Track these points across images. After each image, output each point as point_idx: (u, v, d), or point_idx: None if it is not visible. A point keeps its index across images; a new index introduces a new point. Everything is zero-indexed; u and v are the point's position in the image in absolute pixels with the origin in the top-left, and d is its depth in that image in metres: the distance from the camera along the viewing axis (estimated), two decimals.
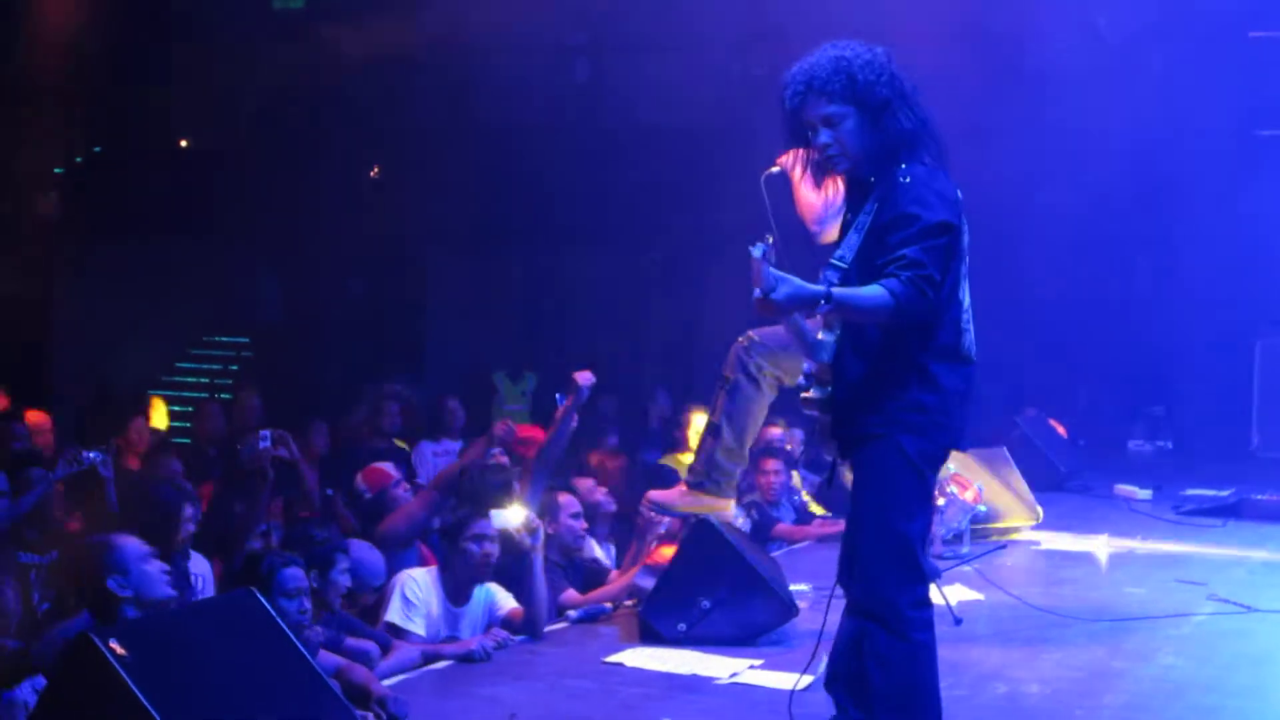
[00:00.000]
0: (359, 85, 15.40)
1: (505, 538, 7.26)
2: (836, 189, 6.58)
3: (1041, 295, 14.38)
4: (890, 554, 4.94)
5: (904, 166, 4.93)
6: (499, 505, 7.32)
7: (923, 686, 4.96)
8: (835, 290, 4.75)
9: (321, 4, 16.18)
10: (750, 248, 4.63)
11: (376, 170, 17.19)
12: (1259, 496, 11.38)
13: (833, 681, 5.17)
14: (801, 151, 6.47)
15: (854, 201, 5.10)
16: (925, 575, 5.04)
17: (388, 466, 9.00)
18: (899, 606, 4.93)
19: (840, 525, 9.83)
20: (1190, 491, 11.78)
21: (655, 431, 13.82)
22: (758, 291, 4.67)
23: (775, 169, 6.54)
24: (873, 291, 4.76)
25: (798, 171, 6.74)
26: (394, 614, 7.13)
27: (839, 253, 4.96)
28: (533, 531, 7.21)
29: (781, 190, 6.53)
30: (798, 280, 4.71)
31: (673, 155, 16.20)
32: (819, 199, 6.73)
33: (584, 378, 8.69)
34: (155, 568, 5.75)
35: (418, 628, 7.12)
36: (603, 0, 16.90)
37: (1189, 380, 15.76)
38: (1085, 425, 15.08)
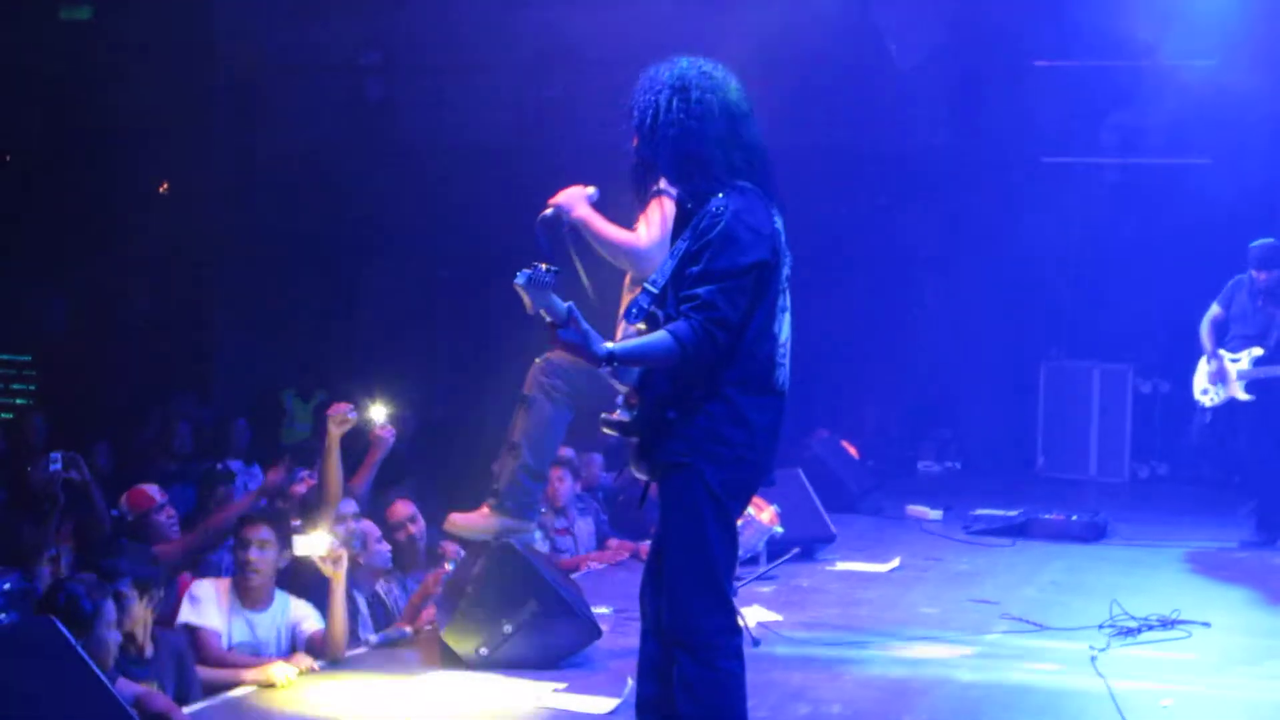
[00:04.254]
0: (148, 97, 15.04)
1: (309, 564, 7.14)
2: (663, 218, 6.47)
3: (831, 317, 14.52)
4: (696, 582, 4.91)
5: (721, 195, 4.88)
6: (300, 532, 7.21)
7: (730, 714, 4.94)
8: (618, 349, 4.77)
9: (110, 14, 15.80)
10: (516, 276, 4.59)
11: (165, 186, 16.81)
12: (1046, 516, 11.61)
13: (643, 707, 5.13)
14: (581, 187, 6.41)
15: (678, 225, 5.08)
16: (731, 603, 5.03)
17: (152, 490, 8.69)
18: (706, 634, 4.90)
19: (638, 546, 9.99)
20: (979, 511, 11.95)
21: None
22: (551, 320, 4.66)
23: (549, 211, 6.46)
24: (658, 340, 4.76)
25: (584, 210, 6.59)
26: (186, 614, 7.03)
27: (653, 277, 4.93)
28: (336, 559, 7.08)
29: (557, 231, 6.43)
30: (588, 329, 4.73)
31: (466, 173, 16.12)
32: (630, 233, 6.59)
33: (377, 423, 8.62)
34: None
35: (214, 621, 7.01)
36: (396, 21, 16.80)
37: (976, 402, 16.07)
38: (875, 447, 15.26)
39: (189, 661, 6.64)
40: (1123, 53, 14.70)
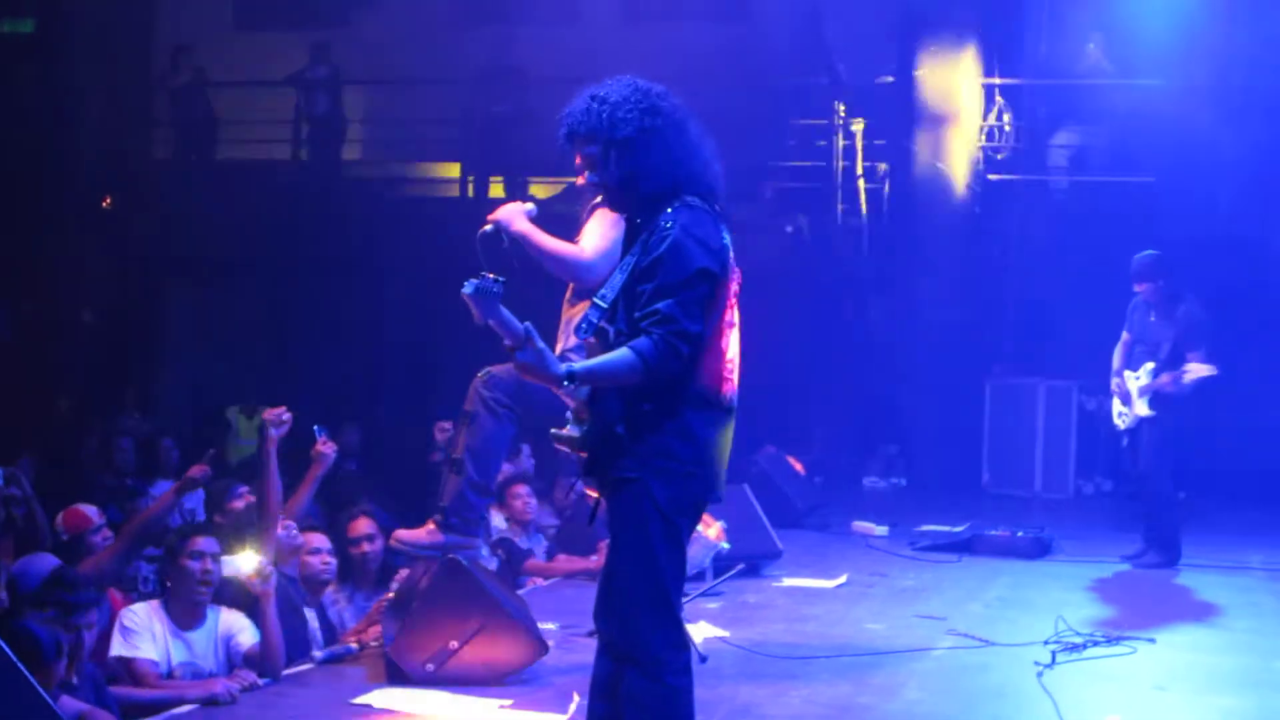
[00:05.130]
0: (92, 110, 14.97)
1: (238, 583, 7.09)
2: (606, 230, 6.50)
3: (777, 334, 14.57)
4: (645, 598, 4.90)
5: (670, 210, 4.88)
6: (230, 550, 7.16)
7: None
8: (578, 368, 4.76)
9: (53, 28, 15.72)
10: (464, 285, 4.57)
11: (109, 200, 16.72)
12: (992, 532, 11.65)
13: None
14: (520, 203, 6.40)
15: (628, 241, 5.06)
16: (680, 619, 5.01)
17: (90, 510, 8.58)
18: (654, 650, 4.88)
19: (586, 562, 9.97)
20: (925, 528, 11.98)
21: None
22: (508, 341, 4.64)
23: (489, 227, 6.45)
24: (620, 357, 4.75)
25: (523, 224, 6.59)
26: (118, 647, 6.92)
27: (602, 291, 4.92)
28: (265, 577, 7.03)
29: (496, 247, 6.42)
30: (546, 349, 4.72)
31: (409, 192, 16.12)
32: (572, 245, 6.60)
33: (320, 444, 8.60)
34: None
35: (148, 652, 6.92)
36: (344, 36, 16.80)
37: (922, 419, 16.13)
38: (820, 463, 15.30)
39: (106, 693, 6.55)
40: (1070, 71, 14.82)
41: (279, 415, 8.18)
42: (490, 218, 6.48)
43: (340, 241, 16.24)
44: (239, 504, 8.65)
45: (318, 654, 7.53)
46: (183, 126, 17.31)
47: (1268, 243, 14.33)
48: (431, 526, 7.30)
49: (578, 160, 5.11)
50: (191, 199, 16.14)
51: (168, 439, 12.03)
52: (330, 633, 8.03)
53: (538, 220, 6.52)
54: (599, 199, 5.30)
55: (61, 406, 15.13)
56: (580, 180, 6.73)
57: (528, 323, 4.70)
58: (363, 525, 8.57)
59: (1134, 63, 14.39)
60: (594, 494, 5.08)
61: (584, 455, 4.99)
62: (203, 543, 7.11)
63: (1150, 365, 10.86)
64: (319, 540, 8.16)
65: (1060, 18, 14.39)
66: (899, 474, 16.18)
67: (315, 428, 8.68)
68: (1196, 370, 10.68)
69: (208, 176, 16.67)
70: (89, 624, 6.39)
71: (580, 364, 4.78)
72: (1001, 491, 15.47)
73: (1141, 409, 10.87)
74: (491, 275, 4.61)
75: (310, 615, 7.87)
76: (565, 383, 4.72)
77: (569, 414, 4.94)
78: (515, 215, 6.53)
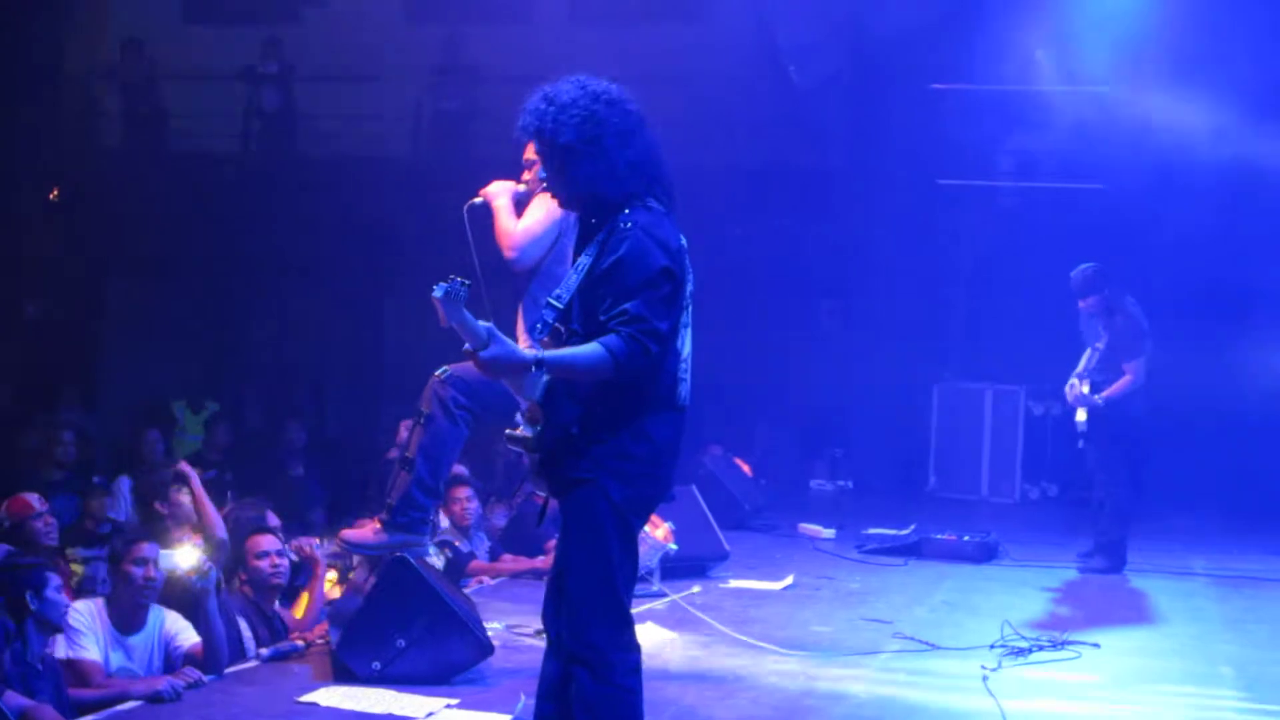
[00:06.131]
0: (39, 101, 14.84)
1: (177, 579, 7.04)
2: (542, 218, 6.69)
3: (724, 334, 14.59)
4: (596, 599, 4.88)
5: (627, 211, 4.87)
6: (169, 546, 7.13)
7: None
8: (548, 355, 4.73)
9: (2, 20, 15.59)
10: (434, 288, 4.55)
11: (56, 192, 16.58)
12: (938, 536, 11.68)
13: None
14: (513, 182, 6.51)
15: (582, 241, 5.04)
16: (631, 620, 4.99)
17: (33, 498, 8.66)
18: (604, 651, 4.87)
19: (532, 562, 9.94)
20: (872, 531, 11.99)
21: None
22: (469, 345, 4.61)
23: (478, 200, 6.64)
24: (590, 352, 4.73)
25: (501, 201, 6.81)
26: (61, 649, 6.86)
27: (557, 292, 4.90)
28: (204, 574, 6.98)
29: (484, 221, 6.56)
30: (509, 342, 4.69)
31: (362, 183, 16.04)
32: (517, 227, 6.75)
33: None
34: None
35: (92, 653, 6.88)
36: (294, 31, 16.71)
37: (869, 422, 16.16)
38: (767, 464, 15.31)
39: (65, 689, 6.52)
40: (1019, 77, 14.86)
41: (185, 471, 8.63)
42: (481, 191, 6.63)
43: (287, 236, 16.15)
44: (184, 497, 8.61)
45: (264, 651, 7.48)
46: (132, 119, 17.18)
47: (1217, 248, 14.42)
48: (377, 526, 7.26)
49: (524, 156, 5.13)
50: (140, 192, 16.00)
51: (153, 430, 11.94)
52: (281, 631, 7.99)
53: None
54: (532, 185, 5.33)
55: (3, 398, 14.99)
56: (523, 182, 6.83)
57: (489, 323, 4.67)
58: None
59: (1082, 70, 14.44)
60: (542, 495, 5.06)
61: (536, 456, 4.95)
62: (146, 549, 7.10)
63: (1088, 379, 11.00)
64: (268, 543, 8.10)
65: (1009, 25, 14.42)
66: (845, 476, 16.18)
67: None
68: (1116, 387, 10.85)
69: (156, 170, 16.53)
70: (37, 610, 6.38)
71: (550, 352, 4.76)
72: (948, 495, 15.53)
73: (1081, 416, 11.00)
74: (460, 280, 4.58)
75: (241, 623, 7.78)
76: (534, 368, 4.68)
77: (521, 414, 4.90)
78: (500, 192, 6.81)
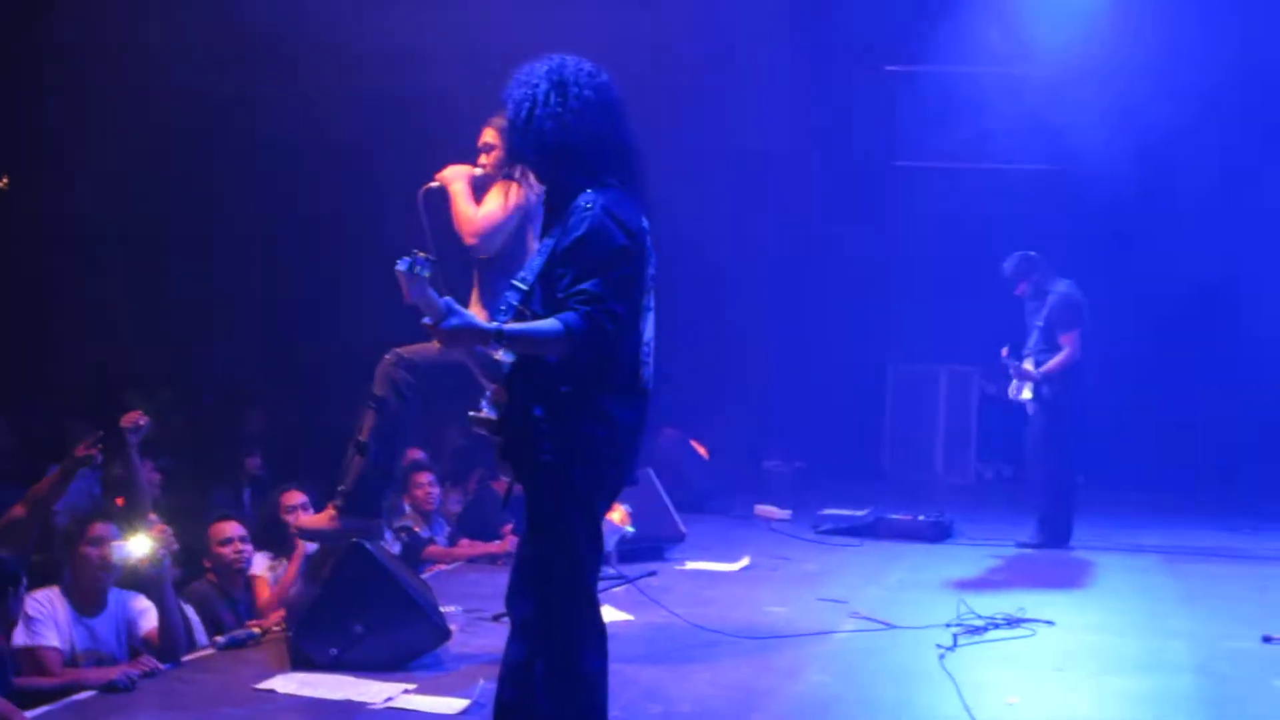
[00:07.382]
0: None
1: (131, 568, 7.01)
2: (505, 203, 6.71)
3: (678, 316, 14.58)
4: (561, 582, 4.88)
5: (589, 192, 4.85)
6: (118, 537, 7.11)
7: (592, 714, 4.90)
8: (508, 327, 4.71)
9: None
10: (397, 262, 4.55)
11: (5, 180, 16.42)
12: (893, 516, 11.74)
13: (500, 709, 5.05)
14: (469, 166, 6.50)
15: (546, 223, 5.03)
16: (597, 603, 4.99)
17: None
18: (569, 635, 4.87)
19: (489, 547, 9.93)
20: (827, 511, 12.04)
21: None
22: (428, 319, 4.60)
23: (434, 184, 6.64)
24: (548, 326, 4.71)
25: (458, 185, 6.80)
26: (21, 636, 6.83)
27: (521, 274, 4.89)
28: (157, 562, 6.95)
29: (440, 205, 6.56)
30: (469, 314, 4.68)
31: (314, 167, 15.95)
32: (477, 213, 6.76)
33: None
34: None
35: (52, 640, 6.85)
36: (247, 12, 16.58)
37: (823, 403, 16.18)
38: (722, 446, 15.30)
39: (11, 677, 6.49)
40: (972, 59, 14.90)
41: (135, 420, 8.47)
42: (436, 175, 6.64)
43: (242, 218, 16.06)
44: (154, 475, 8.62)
45: (220, 639, 7.46)
46: (75, 102, 17.00)
47: (1166, 229, 14.51)
48: (332, 512, 7.24)
49: (481, 140, 5.12)
50: (86, 176, 15.85)
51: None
52: (245, 614, 8.00)
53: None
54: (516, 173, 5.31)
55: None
56: (480, 166, 6.82)
57: (447, 297, 4.67)
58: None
59: (1032, 51, 14.48)
60: (505, 479, 5.05)
61: (499, 438, 4.94)
62: (100, 529, 7.07)
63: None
64: (231, 529, 8.08)
65: (964, 6, 14.45)
66: (800, 457, 16.19)
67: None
68: (1055, 361, 11.00)
69: (102, 153, 16.38)
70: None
71: (510, 324, 4.74)
72: (903, 475, 15.59)
73: (1026, 394, 11.14)
74: (422, 255, 4.58)
75: (189, 610, 7.75)
76: (494, 339, 4.67)
77: (485, 397, 4.89)
78: (457, 176, 6.85)
